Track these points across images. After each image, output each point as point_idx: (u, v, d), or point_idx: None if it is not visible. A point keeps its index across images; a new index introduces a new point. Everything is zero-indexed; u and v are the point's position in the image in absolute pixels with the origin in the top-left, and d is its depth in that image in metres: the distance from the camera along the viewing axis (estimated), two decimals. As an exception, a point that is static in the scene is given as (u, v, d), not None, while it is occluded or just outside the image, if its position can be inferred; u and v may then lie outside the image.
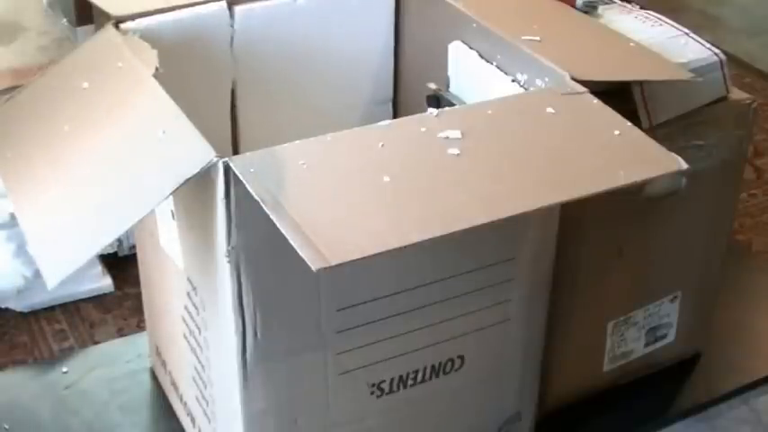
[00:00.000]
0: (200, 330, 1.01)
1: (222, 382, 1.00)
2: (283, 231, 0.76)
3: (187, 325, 1.05)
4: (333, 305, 0.94)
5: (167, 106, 0.90)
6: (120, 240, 1.41)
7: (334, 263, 0.74)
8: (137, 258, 1.22)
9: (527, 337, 1.08)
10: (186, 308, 1.03)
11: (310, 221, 0.77)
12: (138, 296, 1.26)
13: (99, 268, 1.41)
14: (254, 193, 0.80)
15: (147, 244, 1.15)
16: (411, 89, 1.25)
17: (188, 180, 0.82)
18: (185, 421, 1.17)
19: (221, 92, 1.17)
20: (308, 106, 1.23)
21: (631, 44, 1.06)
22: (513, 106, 0.97)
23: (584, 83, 0.96)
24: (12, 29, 1.46)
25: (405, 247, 0.77)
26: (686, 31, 1.13)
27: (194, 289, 1.00)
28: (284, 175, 0.82)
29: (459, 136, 0.88)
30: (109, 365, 1.28)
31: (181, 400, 1.16)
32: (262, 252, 0.89)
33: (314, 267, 0.73)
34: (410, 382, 1.02)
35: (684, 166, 0.87)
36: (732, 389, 1.27)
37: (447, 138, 0.88)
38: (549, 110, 0.93)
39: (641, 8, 1.17)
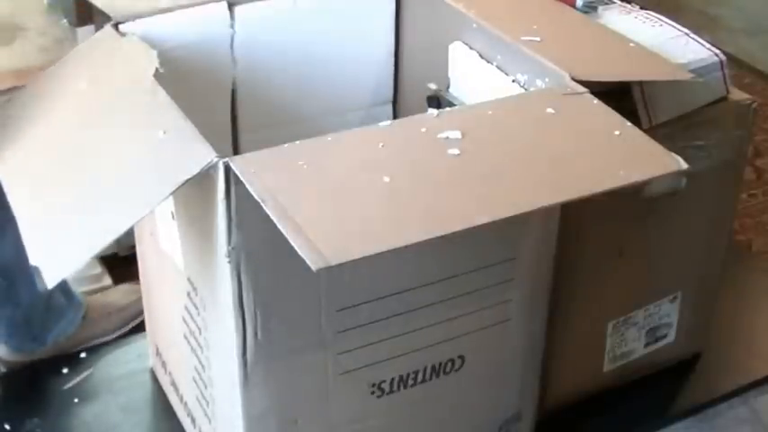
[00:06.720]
0: (200, 331, 1.01)
1: (223, 383, 1.00)
2: (283, 231, 0.76)
3: (187, 325, 1.04)
4: (333, 305, 0.94)
5: (167, 106, 0.90)
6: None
7: (334, 263, 0.74)
8: (136, 258, 1.22)
9: (527, 337, 1.08)
10: (186, 308, 1.03)
11: (310, 221, 0.77)
12: (139, 296, 1.26)
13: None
14: (254, 193, 0.80)
15: (147, 244, 1.15)
16: (411, 90, 1.25)
17: (188, 180, 0.82)
18: (185, 421, 1.17)
19: (221, 92, 1.17)
20: (308, 106, 1.23)
21: (631, 44, 1.07)
22: (514, 106, 0.97)
23: (584, 83, 0.96)
24: (12, 29, 1.46)
25: (405, 247, 0.77)
26: (686, 31, 1.13)
27: (194, 289, 1.00)
28: (284, 175, 0.83)
29: (460, 136, 0.88)
30: (109, 365, 1.28)
31: (181, 400, 1.16)
32: (262, 252, 0.89)
33: (314, 267, 0.73)
34: (410, 382, 1.02)
35: (684, 166, 0.87)
36: (732, 389, 1.27)
37: (447, 138, 0.88)
38: (550, 110, 0.93)
39: (641, 9, 1.17)
